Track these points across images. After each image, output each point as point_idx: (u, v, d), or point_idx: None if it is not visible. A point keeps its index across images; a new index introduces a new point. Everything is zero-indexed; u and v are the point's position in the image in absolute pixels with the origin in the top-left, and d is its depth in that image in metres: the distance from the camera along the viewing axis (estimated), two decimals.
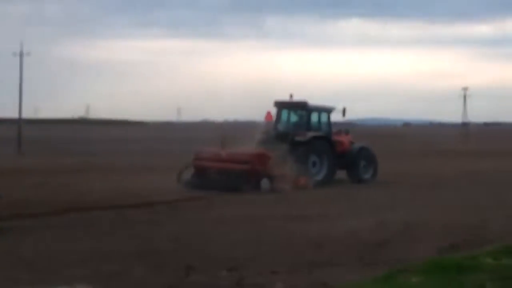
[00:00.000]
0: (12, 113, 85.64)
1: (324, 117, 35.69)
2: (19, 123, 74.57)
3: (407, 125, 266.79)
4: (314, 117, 35.43)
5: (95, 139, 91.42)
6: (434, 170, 42.34)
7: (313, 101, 35.54)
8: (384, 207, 25.30)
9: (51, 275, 13.59)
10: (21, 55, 74.96)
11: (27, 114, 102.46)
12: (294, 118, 36.35)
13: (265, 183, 30.24)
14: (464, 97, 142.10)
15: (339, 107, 36.79)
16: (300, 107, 35.37)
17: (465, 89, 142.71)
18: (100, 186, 31.52)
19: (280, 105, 35.98)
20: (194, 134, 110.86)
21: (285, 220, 21.68)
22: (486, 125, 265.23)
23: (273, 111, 36.00)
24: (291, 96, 35.74)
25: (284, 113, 36.32)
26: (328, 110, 35.83)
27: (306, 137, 33.64)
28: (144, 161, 49.53)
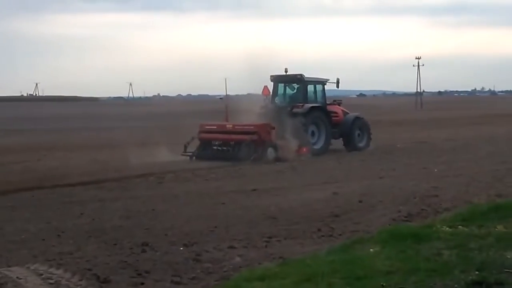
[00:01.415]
0: None
1: (319, 89, 37.29)
2: None
3: (362, 96, 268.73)
4: (310, 89, 36.98)
5: (43, 117, 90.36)
6: (387, 140, 42.54)
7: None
8: (338, 178, 25.43)
9: (1, 257, 13.34)
10: None
11: None
12: (290, 91, 37.86)
13: (270, 152, 31.91)
14: (418, 66, 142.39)
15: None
16: (297, 80, 36.86)
17: (418, 58, 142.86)
18: (48, 165, 31.30)
19: (277, 79, 37.34)
20: (145, 109, 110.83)
21: (237, 194, 21.67)
22: (440, 94, 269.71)
23: (269, 85, 37.29)
24: (286, 70, 37.00)
25: (281, 87, 37.78)
26: (323, 82, 37.36)
27: (305, 109, 35.13)
28: (94, 138, 49.19)
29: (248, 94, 39.91)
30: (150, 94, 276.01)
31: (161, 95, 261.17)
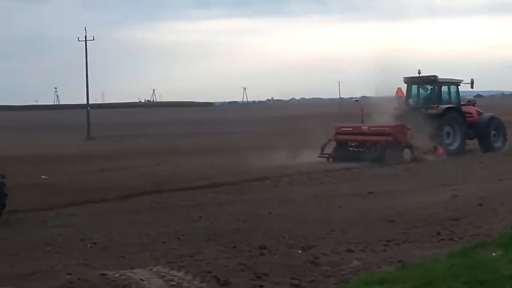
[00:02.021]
0: (80, 100, 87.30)
1: (453, 90, 37.12)
2: (87, 108, 75.89)
3: (479, 96, 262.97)
4: (444, 90, 36.96)
5: (161, 122, 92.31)
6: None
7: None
8: (457, 180, 24.92)
9: (123, 259, 13.70)
10: (85, 40, 76.15)
11: (95, 99, 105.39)
12: (424, 92, 37.98)
13: (407, 153, 32.35)
14: None
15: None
16: (430, 82, 36.93)
17: None
18: (167, 169, 31.98)
19: (410, 81, 37.52)
20: (260, 114, 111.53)
21: (354, 197, 21.57)
22: None
23: (403, 87, 37.74)
24: (419, 72, 36.98)
25: (414, 88, 37.93)
26: (457, 83, 37.25)
27: (439, 109, 35.15)
28: (211, 142, 49.89)
29: (381, 96, 39.71)
30: (263, 98, 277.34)
31: (274, 99, 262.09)
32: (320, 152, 33.82)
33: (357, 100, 43.57)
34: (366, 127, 34.64)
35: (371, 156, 31.97)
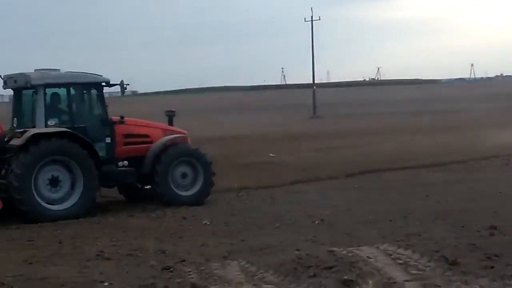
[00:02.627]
0: (306, 79, 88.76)
1: None
2: (313, 87, 76.88)
3: None
4: None
5: (385, 100, 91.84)
6: None
7: None
8: None
9: (350, 236, 13.83)
10: (312, 20, 77.26)
11: (320, 78, 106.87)
12: None
13: None
14: None
15: None
16: None
17: None
18: (392, 147, 31.81)
19: None
20: (488, 91, 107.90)
21: None
22: None
23: None
24: None
25: None
26: None
27: None
28: (437, 121, 48.97)
29: None
30: (492, 75, 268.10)
31: (504, 75, 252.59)
32: None
33: None
34: None
35: None
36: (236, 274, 10.88)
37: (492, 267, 10.68)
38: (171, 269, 11.60)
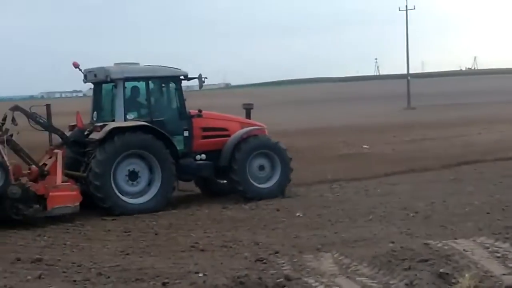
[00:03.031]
0: (400, 70, 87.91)
1: None
2: (407, 78, 76.18)
3: None
4: None
5: (482, 91, 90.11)
6: None
7: None
8: None
9: (446, 229, 13.67)
10: (406, 9, 76.59)
11: (414, 69, 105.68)
12: None
13: None
14: None
15: None
16: None
17: None
18: (489, 138, 31.30)
19: None
20: None
21: None
22: None
23: None
24: None
25: None
26: None
27: None
28: None
29: None
30: None
31: None
32: None
33: None
34: None
35: None
36: (329, 266, 10.89)
37: None
38: (264, 260, 11.70)
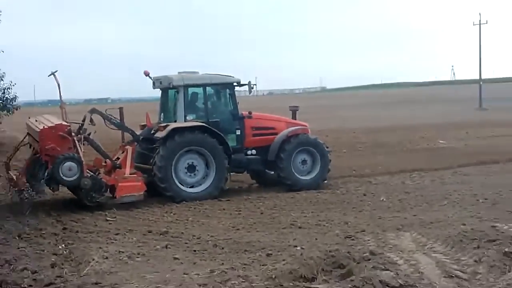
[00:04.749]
0: (474, 75, 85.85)
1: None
2: (479, 83, 74.77)
3: None
4: None
5: None
6: None
7: None
8: None
9: (510, 214, 13.34)
10: (480, 24, 75.41)
11: (486, 75, 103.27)
12: None
13: None
14: None
15: None
16: None
17: None
18: None
19: None
20: None
21: None
22: None
23: None
24: None
25: None
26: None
27: None
28: None
29: None
30: None
31: None
32: None
33: None
34: None
35: None
36: (408, 243, 10.76)
37: None
38: (352, 237, 11.68)
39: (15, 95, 31.81)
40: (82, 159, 15.54)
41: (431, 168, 21.47)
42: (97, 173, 16.24)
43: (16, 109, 32.30)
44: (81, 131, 16.32)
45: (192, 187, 17.11)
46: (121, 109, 17.93)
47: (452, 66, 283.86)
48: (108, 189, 15.98)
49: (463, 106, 67.18)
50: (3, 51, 31.11)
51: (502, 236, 10.43)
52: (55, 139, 15.37)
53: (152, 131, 17.64)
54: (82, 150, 15.84)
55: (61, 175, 15.21)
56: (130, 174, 16.41)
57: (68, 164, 15.22)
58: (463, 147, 27.82)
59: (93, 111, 17.06)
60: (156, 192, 16.74)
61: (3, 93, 30.82)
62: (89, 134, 16.49)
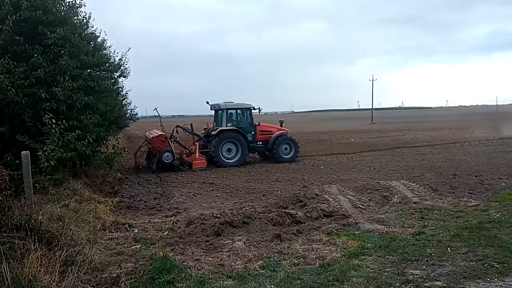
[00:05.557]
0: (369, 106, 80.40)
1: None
2: (371, 110, 72.70)
3: None
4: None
5: None
6: None
7: None
8: None
9: (386, 175, 12.78)
10: (372, 80, 72.71)
11: (378, 105, 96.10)
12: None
13: None
14: None
15: None
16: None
17: None
18: None
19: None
20: None
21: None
22: None
23: None
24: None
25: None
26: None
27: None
28: None
29: None
30: None
31: None
32: None
33: None
34: None
35: None
36: (334, 190, 10.48)
37: (453, 192, 10.09)
38: (306, 187, 11.41)
39: (137, 112, 31.52)
40: (174, 150, 15.72)
41: (347, 152, 20.83)
42: (182, 156, 16.22)
43: (137, 119, 32.16)
44: (172, 136, 16.46)
45: (229, 160, 16.83)
46: (191, 124, 17.85)
47: (358, 101, 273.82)
48: (188, 165, 15.94)
49: (363, 122, 66.27)
50: (130, 90, 30.37)
51: (382, 187, 10.48)
52: (159, 141, 15.86)
53: (210, 132, 17.40)
54: (173, 146, 15.97)
55: (163, 159, 15.53)
56: (198, 156, 16.34)
57: (167, 153, 15.56)
58: (362, 142, 27.14)
59: (177, 126, 17.10)
60: (211, 164, 16.49)
61: (132, 110, 30.42)
62: (175, 138, 16.55)
